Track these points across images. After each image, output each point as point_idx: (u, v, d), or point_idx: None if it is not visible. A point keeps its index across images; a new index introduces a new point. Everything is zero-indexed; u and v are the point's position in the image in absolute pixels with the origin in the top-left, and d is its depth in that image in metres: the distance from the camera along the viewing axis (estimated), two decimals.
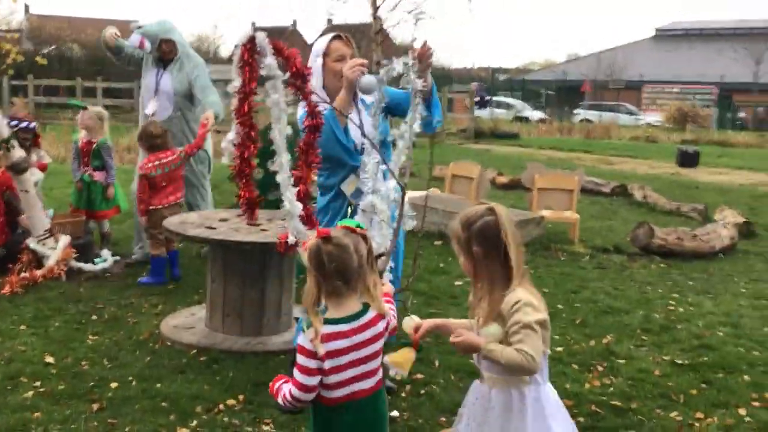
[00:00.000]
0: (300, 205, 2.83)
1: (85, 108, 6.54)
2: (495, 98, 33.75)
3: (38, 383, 3.81)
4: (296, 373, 2.29)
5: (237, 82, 3.08)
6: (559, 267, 6.57)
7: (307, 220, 2.82)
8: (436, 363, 4.22)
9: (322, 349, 2.24)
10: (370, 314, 2.33)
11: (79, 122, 6.54)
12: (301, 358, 2.27)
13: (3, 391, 3.72)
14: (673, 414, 3.73)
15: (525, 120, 29.67)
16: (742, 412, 3.76)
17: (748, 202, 10.67)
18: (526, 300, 2.27)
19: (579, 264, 6.74)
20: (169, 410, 3.58)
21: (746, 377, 4.20)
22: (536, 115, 32.73)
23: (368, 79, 3.19)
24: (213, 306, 4.61)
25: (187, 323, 4.71)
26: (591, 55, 44.78)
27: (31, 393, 3.70)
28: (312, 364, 2.25)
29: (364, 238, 2.35)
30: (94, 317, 4.84)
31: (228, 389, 3.83)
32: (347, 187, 3.31)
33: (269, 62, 2.87)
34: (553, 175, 8.51)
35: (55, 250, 5.66)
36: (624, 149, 19.23)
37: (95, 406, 3.58)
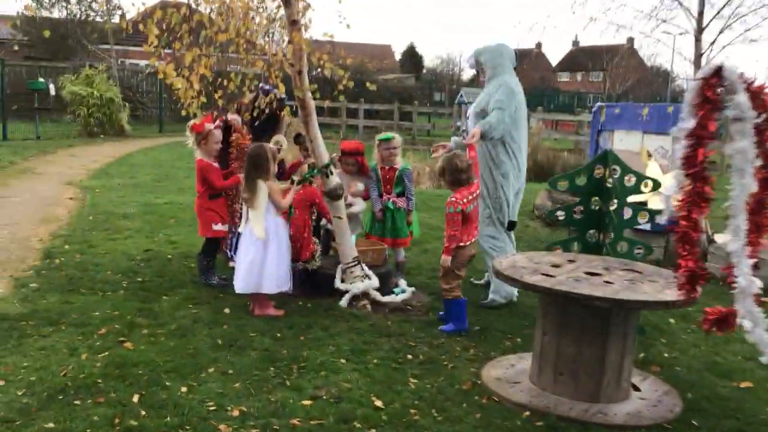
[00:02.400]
0: (759, 282, 2.22)
1: (392, 139, 6.41)
2: None
3: (373, 431, 3.58)
4: None
5: (689, 123, 2.52)
6: None
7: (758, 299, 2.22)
8: None
9: None
10: None
11: (382, 151, 6.38)
12: None
13: None
14: None
15: None
16: None
17: None
18: None
19: None
20: None
21: None
22: None
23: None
24: (543, 361, 4.15)
25: (510, 376, 4.30)
26: None
27: None
28: None
29: None
30: (410, 356, 4.60)
31: None
32: None
33: (741, 101, 2.28)
34: None
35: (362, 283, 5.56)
36: None
37: None
